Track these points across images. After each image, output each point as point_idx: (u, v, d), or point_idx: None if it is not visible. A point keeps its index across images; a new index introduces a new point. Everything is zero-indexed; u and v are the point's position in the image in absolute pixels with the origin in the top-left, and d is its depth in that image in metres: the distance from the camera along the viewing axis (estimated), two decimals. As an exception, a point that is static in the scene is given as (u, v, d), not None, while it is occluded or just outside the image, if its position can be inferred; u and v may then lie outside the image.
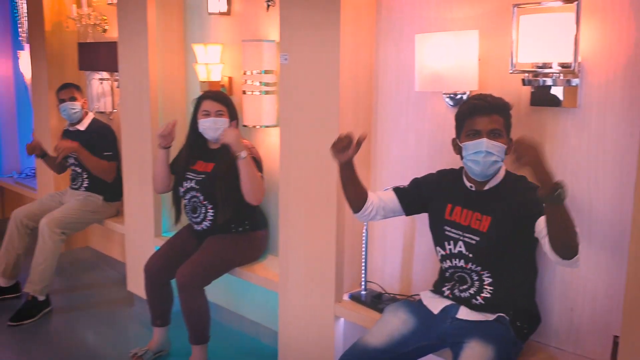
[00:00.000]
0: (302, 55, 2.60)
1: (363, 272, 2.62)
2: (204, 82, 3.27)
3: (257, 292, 3.32)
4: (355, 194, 2.19)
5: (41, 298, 3.69)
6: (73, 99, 3.93)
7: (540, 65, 1.99)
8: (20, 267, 3.93)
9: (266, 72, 3.00)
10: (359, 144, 2.04)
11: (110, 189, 3.99)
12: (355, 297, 2.61)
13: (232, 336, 3.44)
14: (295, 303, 2.79)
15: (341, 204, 2.53)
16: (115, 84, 4.24)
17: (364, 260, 2.61)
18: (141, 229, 3.65)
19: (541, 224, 1.79)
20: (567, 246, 1.72)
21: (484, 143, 1.92)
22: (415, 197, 2.19)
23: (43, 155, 3.93)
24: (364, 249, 2.60)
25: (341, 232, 2.59)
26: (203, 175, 3.00)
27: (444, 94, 2.36)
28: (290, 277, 2.79)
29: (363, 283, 2.63)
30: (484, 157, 1.93)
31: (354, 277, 2.68)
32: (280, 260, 2.83)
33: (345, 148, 2.05)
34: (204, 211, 3.01)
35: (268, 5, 3.03)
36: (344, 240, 2.60)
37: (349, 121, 2.53)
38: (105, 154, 3.90)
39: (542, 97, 2.08)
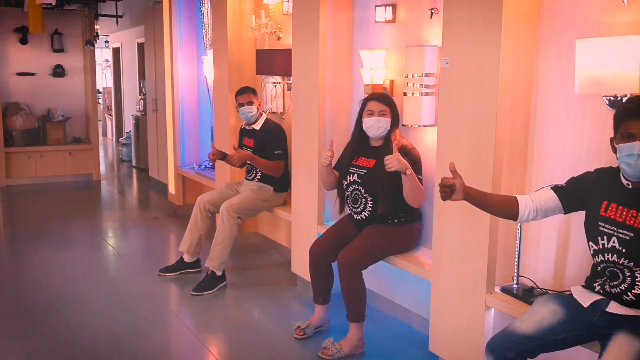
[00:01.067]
0: (462, 59, 2.78)
1: (516, 266, 2.73)
2: (368, 85, 3.56)
3: (410, 280, 3.54)
4: (502, 211, 2.31)
5: (218, 273, 4.22)
6: (250, 103, 4.41)
7: None
8: (202, 245, 4.48)
9: (427, 74, 3.21)
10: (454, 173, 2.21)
11: (279, 181, 4.43)
12: (506, 290, 2.74)
13: (385, 321, 3.70)
14: (447, 292, 2.97)
15: (495, 200, 2.68)
16: (287, 86, 4.69)
17: (517, 254, 2.72)
18: (306, 217, 4.02)
19: None
20: None
21: (637, 147, 1.96)
22: (574, 194, 2.24)
23: (223, 157, 4.46)
24: (517, 244, 2.72)
25: (494, 227, 2.72)
26: (365, 170, 3.28)
27: (604, 96, 2.41)
28: (443, 266, 2.98)
29: (515, 277, 2.74)
30: (636, 160, 1.97)
31: (506, 271, 2.81)
32: (434, 251, 3.03)
33: (451, 192, 2.21)
34: (363, 202, 3.29)
35: (431, 13, 3.24)
36: (497, 235, 2.73)
37: (507, 122, 2.67)
38: (276, 152, 4.35)
39: None
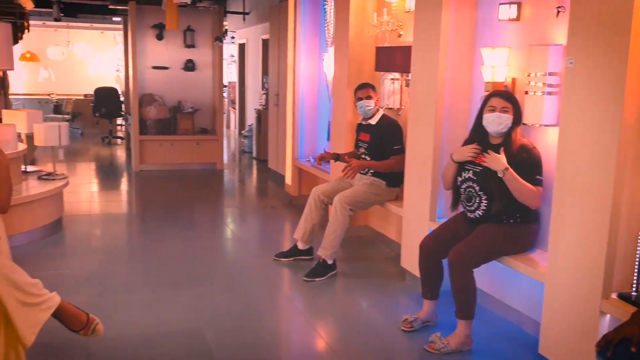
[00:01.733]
0: (588, 59, 2.71)
1: (636, 272, 2.63)
2: (488, 82, 3.54)
3: (522, 281, 3.49)
4: None
5: (330, 262, 4.37)
6: (369, 97, 4.52)
7: None
8: (315, 234, 4.66)
9: (550, 74, 3.15)
10: None
11: (392, 176, 4.51)
12: (623, 296, 2.65)
13: (494, 321, 3.68)
14: (561, 295, 2.91)
15: (617, 204, 2.60)
16: (405, 83, 4.75)
17: (637, 260, 2.62)
18: (418, 213, 4.07)
19: None
20: None
21: None
22: None
23: (337, 159, 4.61)
24: (638, 249, 2.62)
25: (614, 232, 2.64)
26: (480, 168, 3.27)
27: None
28: (558, 269, 2.92)
29: (635, 284, 2.64)
30: None
31: (624, 277, 2.71)
32: (550, 253, 2.98)
33: None
34: (478, 201, 3.29)
35: (558, 12, 3.18)
36: (617, 239, 2.65)
37: (633, 126, 2.58)
38: (395, 147, 4.43)
39: None
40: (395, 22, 4.80)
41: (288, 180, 6.91)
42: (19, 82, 14.59)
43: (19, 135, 5.59)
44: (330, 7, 6.03)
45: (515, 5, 3.47)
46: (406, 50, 4.37)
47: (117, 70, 15.17)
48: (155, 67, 8.92)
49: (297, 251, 4.71)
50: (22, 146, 5.52)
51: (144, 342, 3.30)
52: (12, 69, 3.70)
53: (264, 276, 4.45)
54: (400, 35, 4.79)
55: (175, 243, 5.24)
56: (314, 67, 6.64)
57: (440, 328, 3.44)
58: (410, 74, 4.27)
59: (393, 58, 4.72)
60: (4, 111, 6.19)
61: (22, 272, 2.40)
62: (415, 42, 4.09)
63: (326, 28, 6.20)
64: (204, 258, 4.84)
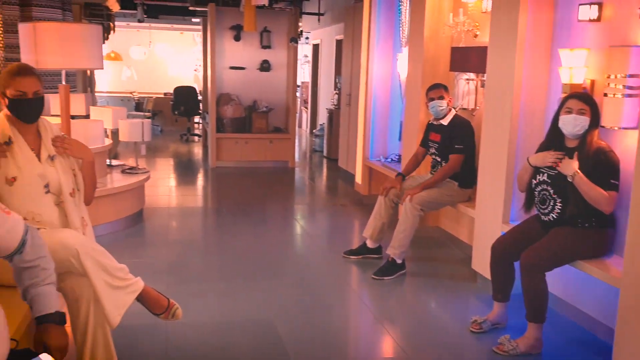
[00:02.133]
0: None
1: None
2: (566, 84, 3.48)
3: (596, 287, 3.41)
4: None
5: (399, 261, 4.40)
6: (441, 97, 4.50)
7: None
8: (384, 233, 4.70)
9: (631, 76, 3.07)
10: None
11: (465, 177, 4.49)
12: None
13: (566, 326, 3.61)
14: (637, 301, 2.83)
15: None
16: (480, 83, 4.72)
17: None
18: (491, 214, 4.04)
19: None
20: None
21: None
22: None
23: (403, 179, 4.68)
24: None
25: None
26: (555, 171, 3.22)
27: None
28: (634, 274, 2.84)
29: None
30: None
31: None
32: (626, 258, 2.90)
33: None
34: (552, 204, 3.24)
35: (642, 11, 3.09)
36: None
37: None
38: (457, 146, 4.41)
39: None
40: (472, 22, 4.77)
41: (358, 179, 6.98)
42: (104, 80, 15.37)
43: (105, 130, 5.93)
44: (405, 8, 6.05)
45: (596, 6, 3.39)
46: (482, 51, 4.35)
47: (195, 70, 15.71)
48: (232, 68, 9.20)
49: (366, 249, 4.76)
50: (107, 141, 5.85)
51: (217, 329, 3.45)
52: (102, 68, 3.94)
53: (332, 272, 4.54)
54: (476, 36, 4.76)
55: (247, 237, 5.41)
56: (387, 67, 6.67)
57: (510, 330, 3.41)
58: (485, 75, 4.24)
59: (468, 58, 4.70)
60: (92, 108, 6.57)
61: (110, 257, 2.57)
62: (491, 43, 4.07)
63: (401, 28, 6.22)
64: (275, 252, 4.98)
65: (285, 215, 6.45)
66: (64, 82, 3.95)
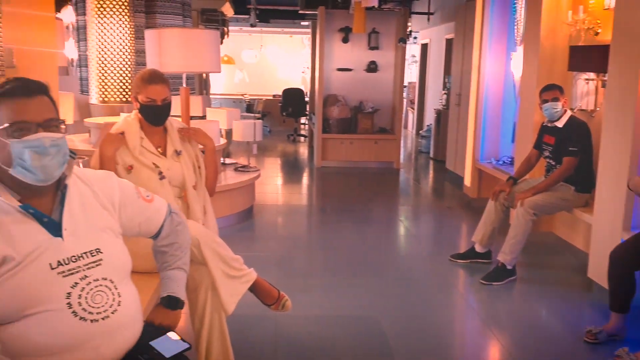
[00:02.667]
0: None
1: None
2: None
3: None
4: None
5: (509, 267, 4.26)
6: (556, 99, 4.29)
7: None
8: (495, 238, 4.57)
9: None
10: None
11: (582, 181, 4.28)
12: None
13: (693, 343, 3.35)
14: None
15: None
16: (601, 84, 4.47)
17: None
18: (610, 221, 3.82)
19: None
20: None
21: None
22: None
23: (515, 183, 4.54)
24: None
25: None
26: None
27: None
28: None
29: None
30: None
31: None
32: None
33: None
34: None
35: None
36: None
37: None
38: (571, 148, 4.20)
39: None
40: (593, 19, 4.53)
41: (467, 181, 6.83)
42: (217, 83, 16.06)
43: (219, 130, 6.20)
44: (520, 5, 5.85)
45: None
46: (604, 50, 4.11)
47: (302, 72, 16.05)
48: (339, 69, 9.31)
49: (475, 254, 4.66)
50: (222, 141, 6.12)
51: (323, 322, 3.53)
52: (219, 72, 4.13)
53: (438, 274, 4.48)
54: (597, 34, 4.52)
55: (351, 235, 5.46)
56: (500, 66, 6.48)
57: (629, 344, 3.21)
58: (607, 75, 4.01)
59: (589, 58, 4.46)
60: (208, 109, 6.91)
61: (227, 247, 2.70)
62: (614, 41, 3.84)
63: (515, 26, 6.03)
64: (379, 251, 4.99)
65: (390, 216, 6.44)
66: (184, 85, 4.19)
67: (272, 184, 7.95)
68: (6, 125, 1.57)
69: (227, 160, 6.55)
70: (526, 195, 4.25)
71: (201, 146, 3.09)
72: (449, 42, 10.00)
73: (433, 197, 7.67)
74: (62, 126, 1.66)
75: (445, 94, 9.42)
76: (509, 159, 6.16)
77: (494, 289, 4.16)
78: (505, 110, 6.50)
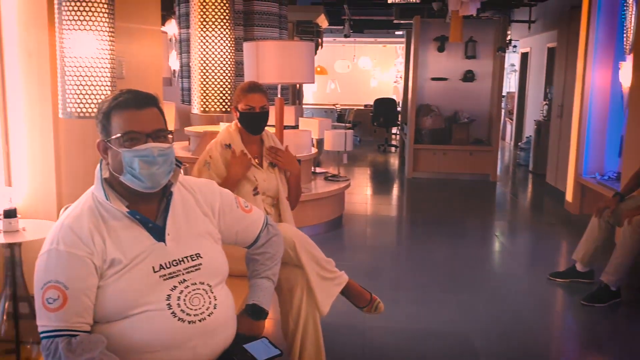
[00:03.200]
0: None
1: None
2: None
3: None
4: None
5: (613, 288, 3.99)
6: None
7: None
8: (598, 257, 4.29)
9: None
10: None
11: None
12: None
13: None
14: None
15: None
16: None
17: None
18: None
19: None
20: None
21: None
22: None
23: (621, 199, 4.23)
24: None
25: None
26: None
27: None
28: None
29: None
30: None
31: None
32: None
33: None
34: None
35: None
36: None
37: None
38: None
39: None
40: None
41: (569, 197, 6.50)
42: (310, 93, 16.30)
43: (311, 140, 6.27)
44: (631, 12, 5.50)
45: None
46: None
47: (395, 82, 15.96)
48: (434, 79, 9.16)
49: (575, 273, 4.40)
50: (314, 150, 6.18)
51: (413, 336, 3.45)
52: (313, 82, 4.17)
53: (534, 293, 4.27)
54: None
55: (443, 248, 5.33)
56: (607, 76, 6.14)
57: None
58: None
59: None
60: (300, 119, 7.01)
61: (320, 250, 2.72)
62: None
63: (625, 34, 5.67)
64: (472, 267, 4.83)
65: (484, 230, 6.23)
66: (279, 95, 4.27)
67: (361, 194, 7.93)
68: (119, 135, 1.66)
69: (318, 170, 6.60)
70: (634, 213, 3.98)
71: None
72: (551, 51, 9.59)
73: (531, 212, 7.35)
74: (170, 136, 1.74)
75: (546, 104, 9.04)
76: (615, 174, 5.81)
77: (595, 311, 3.91)
78: (611, 122, 6.14)
